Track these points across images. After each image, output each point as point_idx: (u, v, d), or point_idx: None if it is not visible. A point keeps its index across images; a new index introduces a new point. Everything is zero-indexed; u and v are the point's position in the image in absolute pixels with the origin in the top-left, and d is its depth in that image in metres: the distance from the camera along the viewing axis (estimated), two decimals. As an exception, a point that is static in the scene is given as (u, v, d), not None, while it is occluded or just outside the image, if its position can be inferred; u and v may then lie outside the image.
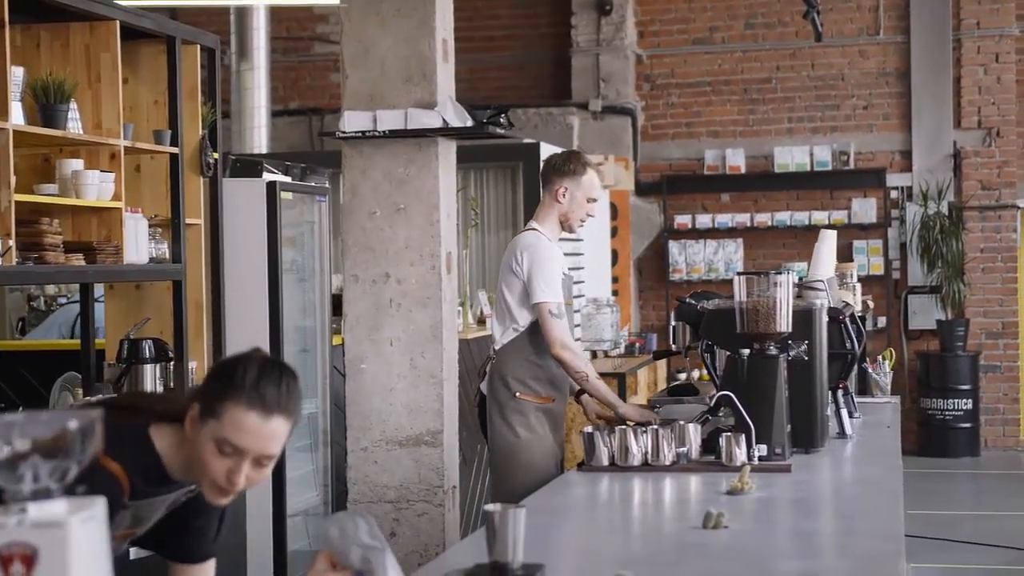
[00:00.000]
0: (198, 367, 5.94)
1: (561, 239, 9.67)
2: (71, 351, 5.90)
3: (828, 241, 5.69)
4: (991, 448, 12.67)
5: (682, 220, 13.07)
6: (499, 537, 2.77)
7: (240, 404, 2.59)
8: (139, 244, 5.39)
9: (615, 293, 12.43)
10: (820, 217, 12.71)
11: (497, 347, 5.39)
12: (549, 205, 5.42)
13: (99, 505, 1.82)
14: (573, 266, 10.45)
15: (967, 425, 12.40)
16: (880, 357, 6.64)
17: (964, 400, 12.36)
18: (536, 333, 5.27)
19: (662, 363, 11.58)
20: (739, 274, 4.57)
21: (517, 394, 5.30)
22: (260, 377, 2.62)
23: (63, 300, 9.28)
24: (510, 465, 5.29)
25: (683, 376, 12.01)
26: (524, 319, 5.28)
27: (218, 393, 2.62)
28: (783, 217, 12.87)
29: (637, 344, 11.25)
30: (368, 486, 5.74)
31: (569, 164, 5.41)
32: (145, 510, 2.78)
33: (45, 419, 1.80)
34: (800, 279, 5.43)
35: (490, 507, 2.79)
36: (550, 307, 5.18)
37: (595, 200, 5.44)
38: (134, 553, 4.61)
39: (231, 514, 5.67)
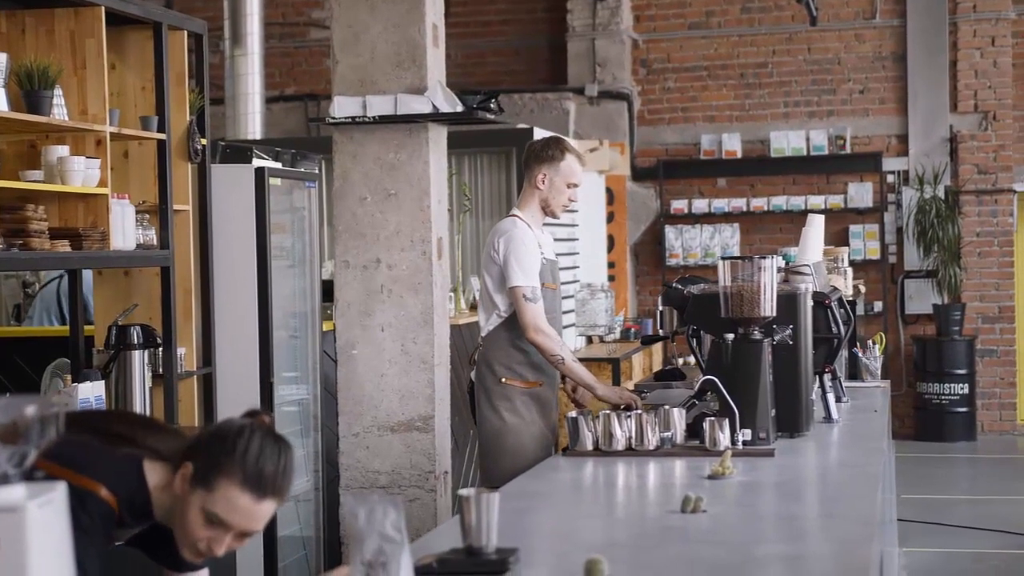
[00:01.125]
0: (187, 353, 5.94)
1: (557, 224, 9.69)
2: (63, 337, 5.90)
3: (816, 225, 5.69)
4: (987, 432, 12.68)
5: (678, 205, 13.06)
6: (473, 522, 2.78)
7: (235, 482, 2.61)
8: (126, 230, 5.39)
9: (611, 278, 12.43)
10: (816, 202, 12.70)
11: (483, 334, 5.42)
12: (529, 191, 5.43)
13: (58, 490, 1.82)
14: (568, 251, 10.48)
15: (963, 409, 12.41)
16: (870, 342, 6.64)
17: (960, 384, 12.37)
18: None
19: (658, 348, 11.59)
20: (723, 258, 4.57)
21: (503, 379, 5.32)
22: (260, 455, 2.63)
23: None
24: (497, 450, 5.31)
25: (679, 361, 12.02)
26: (505, 305, 5.30)
27: (215, 463, 2.63)
28: (779, 202, 12.86)
29: (633, 329, 11.26)
30: (360, 471, 5.75)
31: (548, 150, 5.41)
32: (121, 536, 2.79)
33: (2, 405, 1.81)
34: (787, 263, 5.42)
35: (464, 492, 2.80)
36: (524, 291, 5.19)
37: (575, 185, 5.43)
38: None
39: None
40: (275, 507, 2.69)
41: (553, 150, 5.41)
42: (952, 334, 12.40)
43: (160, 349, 5.68)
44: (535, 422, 5.33)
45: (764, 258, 4.51)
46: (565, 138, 5.67)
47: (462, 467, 7.59)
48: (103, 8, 5.29)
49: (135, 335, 5.53)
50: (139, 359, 5.54)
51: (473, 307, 8.32)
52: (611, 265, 12.55)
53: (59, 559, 1.82)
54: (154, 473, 2.72)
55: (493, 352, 5.35)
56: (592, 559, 2.68)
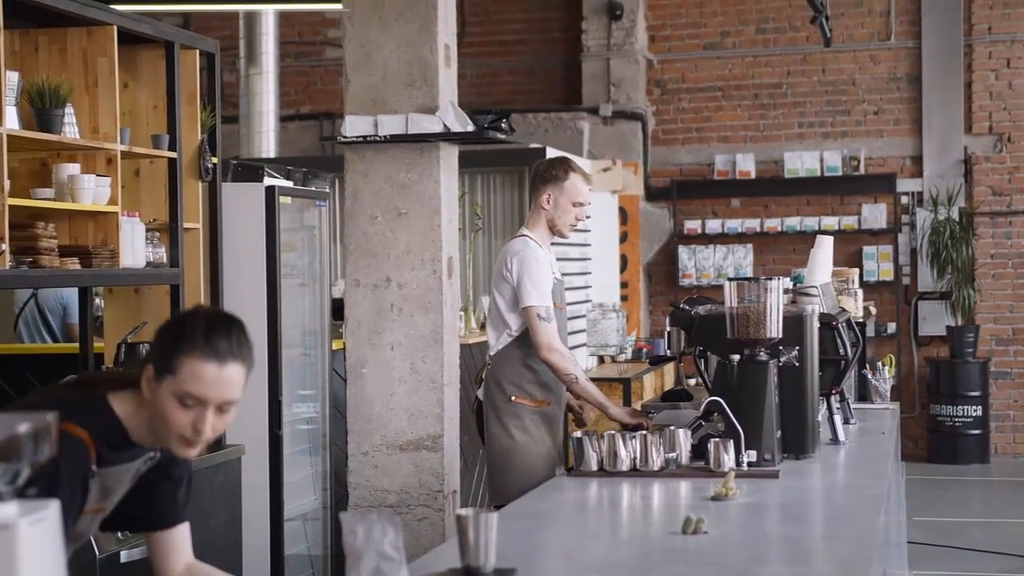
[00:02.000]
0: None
1: (569, 244, 9.68)
2: (73, 355, 5.93)
3: (824, 247, 5.69)
4: (1001, 455, 12.63)
5: (692, 225, 13.06)
6: (471, 541, 2.79)
7: (194, 356, 2.68)
8: (135, 248, 5.42)
9: (624, 298, 12.43)
10: (830, 222, 12.69)
11: (492, 352, 5.44)
12: (537, 212, 5.48)
13: (51, 507, 1.84)
14: (580, 271, 10.49)
15: (977, 432, 12.36)
16: (880, 363, 6.62)
17: (974, 407, 12.32)
18: (529, 338, 5.30)
19: (670, 368, 11.57)
20: (730, 280, 4.57)
21: (512, 398, 5.34)
22: (210, 329, 2.71)
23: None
24: (506, 468, 5.32)
25: (692, 382, 12.00)
26: (516, 324, 5.32)
27: (171, 350, 2.71)
28: (793, 222, 12.85)
29: (645, 349, 11.25)
30: (368, 490, 5.76)
31: (552, 170, 5.46)
32: (112, 480, 2.82)
33: (-5, 422, 1.82)
34: (794, 285, 5.42)
35: (462, 512, 2.80)
36: (538, 311, 5.22)
37: (581, 204, 5.46)
38: (126, 556, 4.65)
39: (228, 514, 5.70)
40: (242, 373, 2.74)
41: (557, 170, 5.45)
42: (966, 356, 12.36)
43: (169, 367, 5.69)
44: (543, 440, 5.34)
45: (770, 279, 4.51)
46: (571, 157, 5.69)
47: (471, 486, 7.59)
48: (115, 27, 5.33)
49: (144, 353, 5.55)
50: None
51: (483, 326, 8.33)
52: (624, 285, 12.56)
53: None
54: (121, 402, 2.79)
55: (503, 370, 5.36)
56: (589, 580, 2.68)
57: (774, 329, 4.47)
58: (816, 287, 5.26)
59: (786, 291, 4.88)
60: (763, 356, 4.49)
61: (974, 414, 12.32)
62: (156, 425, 2.76)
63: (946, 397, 12.36)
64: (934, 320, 12.68)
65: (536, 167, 5.56)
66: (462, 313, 8.04)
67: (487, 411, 5.41)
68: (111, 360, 5.69)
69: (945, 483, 11.56)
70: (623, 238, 12.58)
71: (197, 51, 6.01)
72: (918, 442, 12.58)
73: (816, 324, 4.78)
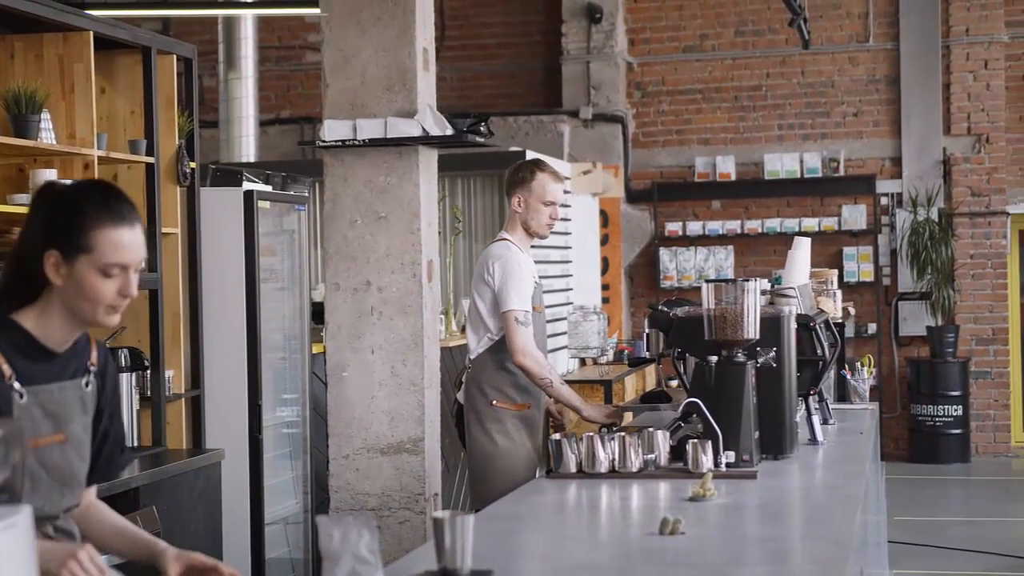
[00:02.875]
0: (175, 376, 5.96)
1: (550, 246, 9.68)
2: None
3: (802, 248, 5.71)
4: (981, 454, 12.67)
5: (673, 227, 13.08)
6: (447, 544, 2.79)
7: (107, 227, 2.71)
8: (114, 253, 5.41)
9: (606, 300, 12.45)
10: (810, 224, 12.73)
11: (472, 356, 5.46)
12: (512, 215, 5.53)
13: (23, 513, 1.84)
14: (561, 273, 10.50)
15: (957, 431, 12.41)
16: (859, 364, 6.64)
17: (954, 406, 12.37)
18: None
19: (651, 370, 11.59)
20: (707, 281, 4.58)
21: (494, 402, 5.36)
22: (107, 198, 2.74)
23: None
24: (488, 473, 5.33)
25: (674, 383, 12.02)
26: (497, 328, 5.34)
27: (77, 230, 2.70)
28: (773, 224, 12.89)
29: (627, 351, 11.27)
30: (349, 494, 5.76)
31: (518, 173, 5.51)
32: (52, 403, 2.78)
33: (-33, 428, 1.82)
34: (772, 286, 5.44)
35: (438, 514, 2.81)
36: (517, 315, 5.24)
37: (552, 203, 5.48)
38: (105, 560, 4.63)
39: (209, 518, 5.67)
40: (143, 232, 2.80)
41: (524, 172, 5.50)
42: (946, 356, 12.40)
43: (148, 372, 5.69)
44: (524, 444, 5.36)
45: (747, 281, 4.52)
46: (541, 158, 5.72)
47: (452, 489, 7.59)
48: (91, 33, 5.33)
49: (123, 358, 5.55)
50: (127, 381, 5.55)
51: (464, 329, 8.34)
52: (605, 287, 12.57)
53: (23, 581, 1.83)
54: (24, 318, 2.76)
55: (483, 375, 5.39)
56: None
57: (751, 330, 4.48)
58: (794, 288, 5.27)
59: (764, 292, 4.89)
60: (741, 357, 4.50)
61: (954, 414, 12.36)
62: (77, 305, 2.74)
63: (927, 397, 12.41)
64: (914, 320, 12.73)
65: (507, 172, 5.60)
66: (442, 316, 8.05)
67: (468, 416, 5.43)
68: (90, 365, 5.67)
69: (926, 482, 11.59)
70: (604, 240, 12.60)
71: (174, 56, 6.01)
72: (899, 442, 12.62)
73: (793, 325, 4.80)
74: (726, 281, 4.55)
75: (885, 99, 12.93)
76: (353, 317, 5.81)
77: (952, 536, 9.17)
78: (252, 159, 10.68)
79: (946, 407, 12.36)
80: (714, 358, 4.49)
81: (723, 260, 12.99)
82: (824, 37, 12.90)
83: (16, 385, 2.72)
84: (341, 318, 5.78)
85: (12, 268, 2.80)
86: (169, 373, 5.85)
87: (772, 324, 4.64)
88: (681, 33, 13.28)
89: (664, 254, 13.06)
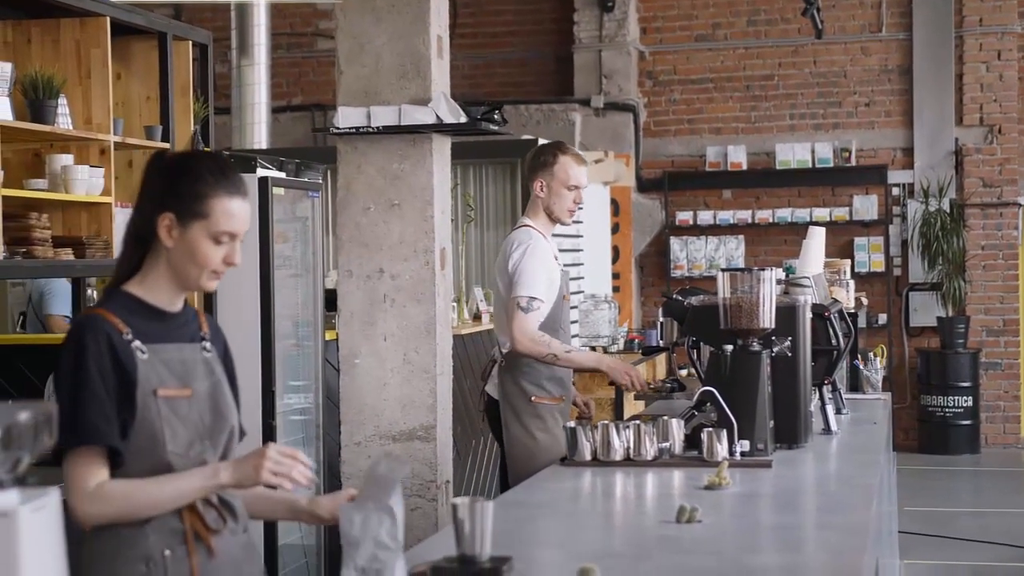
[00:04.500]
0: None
1: (561, 235, 9.68)
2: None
3: (816, 238, 5.71)
4: (991, 445, 12.67)
5: (684, 217, 13.08)
6: (467, 530, 2.80)
7: (222, 197, 2.84)
8: (129, 239, 5.42)
9: (616, 289, 12.45)
10: (821, 214, 12.72)
11: (505, 350, 5.31)
12: (534, 200, 5.41)
13: (52, 495, 1.84)
14: (572, 262, 10.50)
15: (967, 422, 12.40)
16: (871, 354, 6.64)
17: (964, 397, 12.36)
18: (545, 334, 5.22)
19: (662, 359, 11.60)
20: (723, 270, 4.58)
21: (533, 398, 5.26)
22: (222, 168, 2.89)
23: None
24: (531, 468, 5.17)
25: (684, 372, 12.02)
26: None
27: (195, 197, 2.83)
28: (784, 214, 12.88)
29: (637, 340, 11.26)
30: (361, 481, 5.76)
31: (540, 156, 5.38)
32: (171, 360, 2.89)
33: (-5, 410, 1.83)
34: (787, 275, 5.43)
35: (457, 500, 2.81)
36: (519, 301, 5.15)
37: (576, 187, 5.36)
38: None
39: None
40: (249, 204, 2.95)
41: (546, 155, 5.37)
42: (956, 347, 12.40)
43: (163, 357, 5.70)
44: (562, 436, 5.28)
45: (763, 270, 4.52)
46: (562, 142, 5.63)
47: (463, 477, 7.60)
48: (108, 18, 5.33)
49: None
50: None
51: (477, 317, 8.35)
52: (616, 276, 12.57)
53: (51, 564, 1.84)
54: (132, 286, 2.89)
55: (520, 369, 5.27)
56: (585, 567, 2.69)
57: (767, 319, 4.48)
58: (808, 278, 5.27)
59: (778, 282, 4.88)
60: (756, 346, 4.50)
61: (964, 405, 12.36)
62: (184, 269, 2.87)
63: (937, 388, 12.40)
64: (925, 311, 12.72)
65: (527, 156, 5.51)
66: (454, 304, 8.05)
67: (505, 412, 5.30)
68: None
69: (936, 473, 11.59)
70: (615, 229, 12.59)
71: (190, 42, 6.01)
72: (909, 432, 12.62)
73: (809, 315, 4.80)
74: (742, 270, 4.55)
75: (897, 89, 12.90)
76: (366, 304, 5.82)
77: (961, 527, 9.17)
78: (264, 146, 10.68)
79: (956, 398, 12.36)
80: (729, 347, 4.49)
81: (734, 250, 12.98)
82: (837, 27, 12.88)
83: (136, 343, 2.84)
84: (354, 305, 5.78)
85: (125, 240, 2.94)
86: (183, 359, 5.86)
87: (787, 313, 4.64)
88: (693, 22, 13.26)
89: (675, 243, 13.06)
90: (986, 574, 7.93)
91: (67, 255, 5.06)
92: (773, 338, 4.58)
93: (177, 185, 2.86)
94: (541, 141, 10.22)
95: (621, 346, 10.73)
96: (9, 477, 1.82)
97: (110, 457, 2.81)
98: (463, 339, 7.83)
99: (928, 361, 12.50)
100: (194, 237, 2.83)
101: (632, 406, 9.18)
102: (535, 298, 5.18)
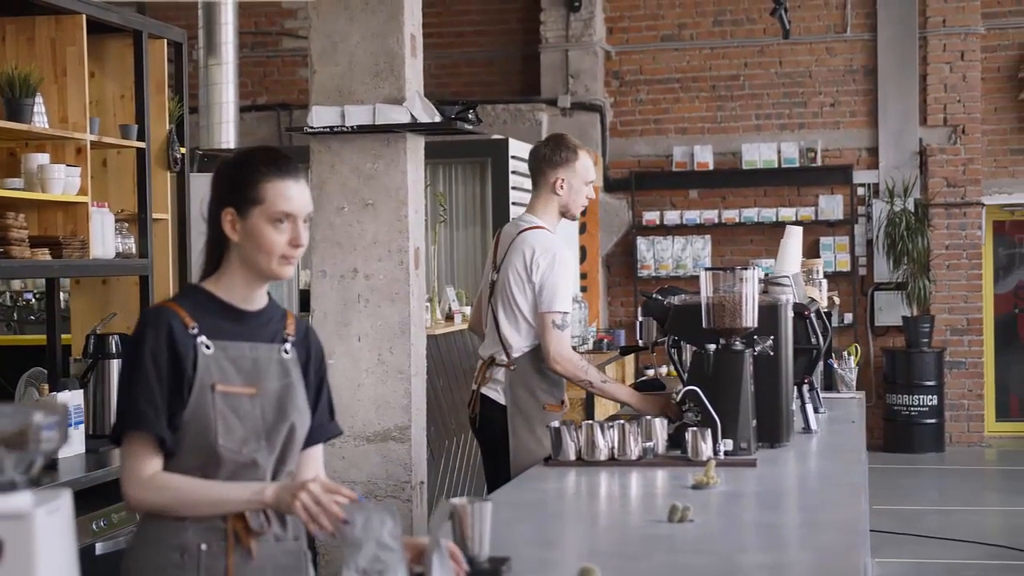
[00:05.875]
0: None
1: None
2: (39, 346, 5.87)
3: (794, 237, 5.72)
4: (955, 444, 12.76)
5: (650, 216, 13.10)
6: (466, 531, 2.79)
7: (274, 180, 2.91)
8: (105, 239, 5.38)
9: (584, 289, 12.46)
10: (787, 214, 12.77)
11: (515, 354, 5.08)
12: (547, 198, 5.18)
13: (64, 498, 1.82)
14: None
15: (932, 421, 12.49)
16: (845, 353, 6.67)
17: (929, 396, 12.45)
18: None
19: (630, 359, 11.63)
20: (706, 269, 4.59)
21: (546, 406, 5.08)
22: (272, 156, 2.97)
23: (28, 296, 9.24)
24: None
25: (650, 372, 12.05)
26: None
27: (248, 185, 2.91)
28: (751, 214, 12.92)
29: (606, 340, 11.29)
30: (336, 482, 5.72)
31: (560, 153, 5.14)
32: (240, 358, 2.93)
33: (9, 412, 1.80)
34: (766, 275, 5.45)
35: (456, 501, 2.80)
36: (554, 318, 4.94)
37: (591, 182, 5.20)
38: (100, 548, 4.61)
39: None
40: (307, 187, 3.00)
41: (566, 151, 5.14)
42: (921, 346, 12.48)
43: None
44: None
45: (746, 269, 4.53)
46: (566, 135, 5.35)
47: (438, 477, 7.59)
48: (84, 16, 5.28)
49: (114, 344, 5.50)
50: (118, 368, 5.51)
51: (449, 317, 8.33)
52: (583, 276, 12.58)
53: (65, 565, 1.81)
54: (209, 284, 2.96)
55: (531, 375, 5.07)
56: (585, 567, 2.69)
57: (750, 319, 4.49)
58: (788, 277, 5.29)
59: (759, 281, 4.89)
60: (739, 345, 4.51)
61: (929, 403, 12.45)
62: (253, 259, 2.92)
63: (902, 387, 12.48)
64: (890, 310, 12.80)
65: (537, 153, 5.24)
66: (427, 304, 8.03)
67: (515, 418, 5.07)
68: (79, 352, 5.64)
69: (902, 471, 11.66)
70: (582, 229, 12.60)
71: (165, 40, 5.97)
72: (874, 431, 12.68)
73: (790, 313, 4.81)
74: (724, 270, 4.55)
75: (862, 90, 12.98)
76: (340, 304, 5.80)
77: (928, 525, 9.23)
78: (232, 145, 10.61)
79: (921, 397, 12.44)
80: (712, 346, 4.50)
81: (700, 249, 13.02)
82: (802, 27, 12.94)
83: (202, 338, 2.89)
84: (328, 305, 5.76)
85: (205, 246, 3.00)
86: (159, 359, 5.81)
87: (769, 312, 4.65)
88: (659, 22, 13.29)
89: (642, 243, 13.08)
90: (959, 572, 7.98)
91: (44, 255, 5.01)
92: (755, 337, 4.58)
93: (233, 181, 2.94)
94: (512, 141, 10.24)
95: (591, 346, 10.75)
96: (23, 479, 1.79)
97: (160, 446, 2.87)
98: (436, 339, 7.81)
99: (893, 360, 12.57)
100: (255, 225, 2.89)
101: (604, 405, 9.19)
102: (567, 313, 4.99)
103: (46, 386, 5.54)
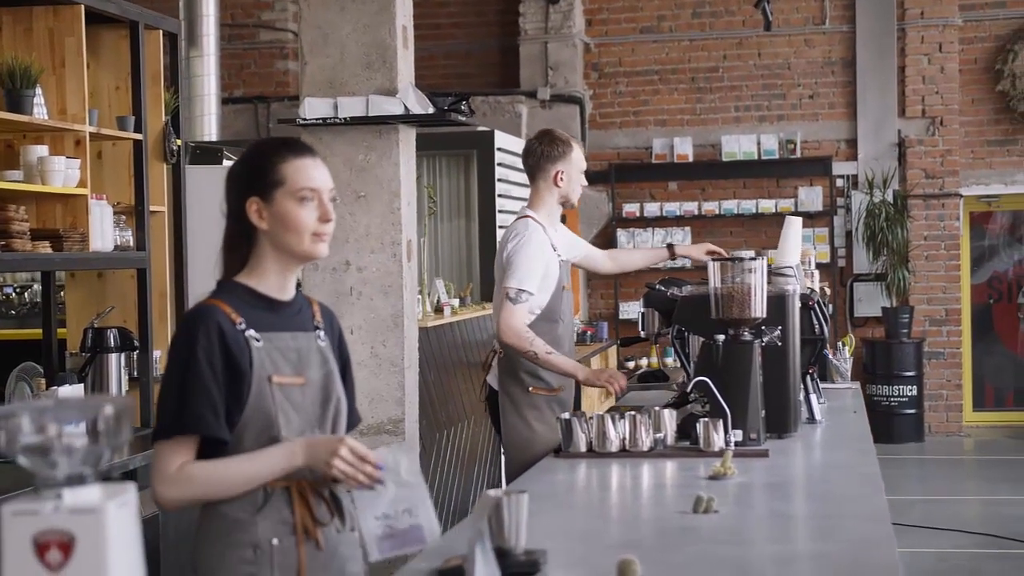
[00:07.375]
0: (162, 356, 5.88)
1: (505, 227, 9.59)
2: (33, 340, 5.82)
3: (794, 227, 5.73)
4: (935, 434, 12.83)
5: (630, 208, 13.11)
6: (502, 522, 2.77)
7: (291, 160, 2.91)
8: (104, 231, 5.33)
9: (564, 281, 12.44)
10: (767, 205, 12.80)
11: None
12: (546, 191, 5.36)
13: (131, 491, 1.80)
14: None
15: (912, 411, 12.55)
16: (840, 343, 6.69)
17: (909, 386, 12.50)
18: (543, 325, 5.19)
19: (612, 351, 11.63)
20: (714, 259, 4.58)
21: (531, 388, 5.23)
22: (283, 141, 2.98)
23: (9, 290, 9.16)
24: (527, 459, 5.13)
25: (631, 364, 12.07)
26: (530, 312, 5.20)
27: (267, 170, 2.91)
28: (730, 205, 12.94)
29: (588, 332, 11.29)
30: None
31: (557, 147, 5.35)
32: (286, 348, 2.91)
33: (78, 404, 1.78)
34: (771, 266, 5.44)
35: (493, 492, 2.78)
36: (509, 291, 5.11)
37: (584, 170, 5.48)
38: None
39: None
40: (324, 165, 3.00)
41: (562, 146, 5.36)
42: (900, 337, 12.53)
43: (136, 352, 5.61)
44: (558, 427, 5.24)
45: (754, 259, 4.53)
46: (554, 129, 5.58)
47: (429, 470, 7.57)
48: (83, 7, 5.23)
49: (111, 338, 5.47)
50: (115, 362, 5.47)
51: (439, 310, 8.31)
52: (564, 268, 12.56)
53: (133, 558, 1.79)
54: (243, 278, 2.93)
55: (518, 360, 5.21)
56: (625, 559, 2.67)
57: (758, 309, 4.49)
58: (792, 267, 5.29)
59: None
60: (747, 336, 4.51)
61: (909, 394, 12.50)
62: (284, 241, 2.90)
63: (882, 377, 12.53)
64: (869, 301, 12.85)
65: (532, 149, 5.40)
66: (418, 297, 8.00)
67: (503, 402, 5.27)
68: (76, 346, 5.59)
69: (883, 462, 11.48)
70: (562, 221, 12.55)
71: (160, 32, 5.92)
72: (854, 422, 12.72)
73: (797, 303, 4.81)
74: (732, 260, 4.55)
75: (841, 81, 13.01)
76: (332, 297, 5.78)
77: (910, 515, 9.27)
78: (214, 138, 10.54)
79: (900, 387, 12.49)
80: (721, 337, 4.49)
81: (680, 241, 13.02)
82: (781, 19, 12.95)
83: (250, 331, 2.87)
84: (320, 298, 5.64)
85: (225, 242, 2.96)
86: (157, 353, 5.77)
87: (777, 303, 4.66)
88: (638, 14, 13.29)
89: (622, 235, 13.08)
90: (950, 560, 8.02)
91: (45, 248, 4.96)
92: (763, 327, 4.58)
93: (252, 170, 2.94)
94: (498, 133, 10.21)
95: (574, 339, 10.73)
96: (92, 472, 1.77)
97: (213, 445, 2.83)
98: (427, 332, 7.79)
99: (873, 351, 12.62)
100: (281, 206, 2.88)
101: (588, 394, 9.19)
102: (524, 290, 5.13)
103: (42, 381, 5.49)
